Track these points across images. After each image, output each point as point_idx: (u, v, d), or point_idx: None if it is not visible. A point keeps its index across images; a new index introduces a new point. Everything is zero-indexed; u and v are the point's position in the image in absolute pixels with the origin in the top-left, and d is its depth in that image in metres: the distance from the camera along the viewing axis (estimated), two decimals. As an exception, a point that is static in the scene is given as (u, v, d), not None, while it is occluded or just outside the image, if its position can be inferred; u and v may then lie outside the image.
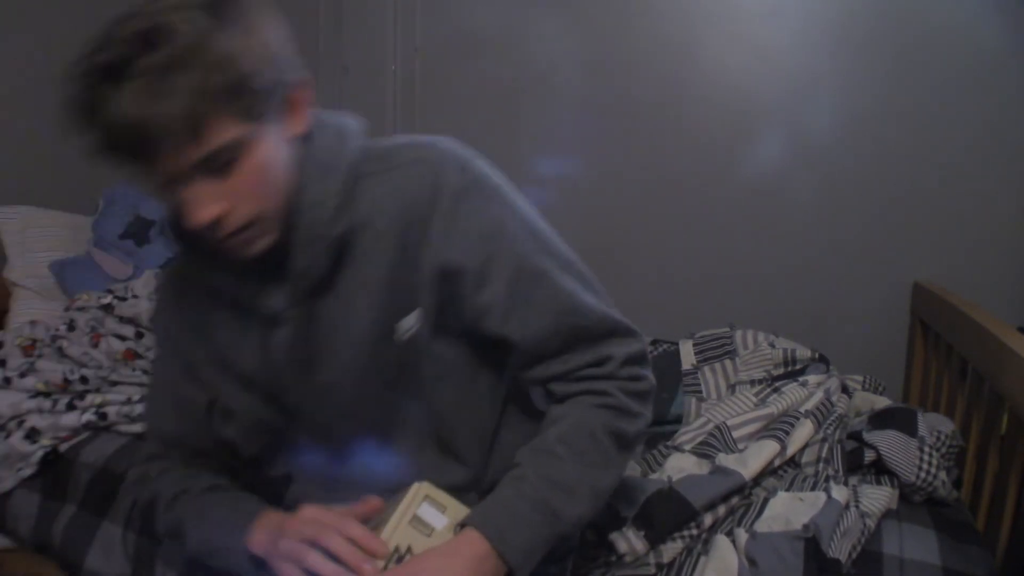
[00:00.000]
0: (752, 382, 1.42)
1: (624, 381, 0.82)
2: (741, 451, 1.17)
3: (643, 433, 0.87)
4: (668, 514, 0.98)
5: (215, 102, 0.64)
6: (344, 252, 0.78)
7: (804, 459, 1.18)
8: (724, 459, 1.14)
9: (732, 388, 1.44)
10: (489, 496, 0.77)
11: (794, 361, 1.44)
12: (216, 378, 0.87)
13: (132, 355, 1.67)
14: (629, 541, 0.96)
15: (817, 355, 1.47)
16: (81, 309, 1.76)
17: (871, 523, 1.01)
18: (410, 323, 0.80)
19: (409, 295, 0.79)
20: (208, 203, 0.68)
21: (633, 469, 1.19)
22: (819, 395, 1.27)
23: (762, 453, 1.13)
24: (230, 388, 0.86)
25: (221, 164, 0.67)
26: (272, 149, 0.70)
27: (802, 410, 1.23)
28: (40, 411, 1.48)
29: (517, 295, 0.79)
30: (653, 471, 1.14)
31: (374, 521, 0.78)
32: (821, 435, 1.20)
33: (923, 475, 1.13)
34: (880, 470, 1.19)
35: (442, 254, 0.77)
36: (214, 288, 0.82)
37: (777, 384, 1.36)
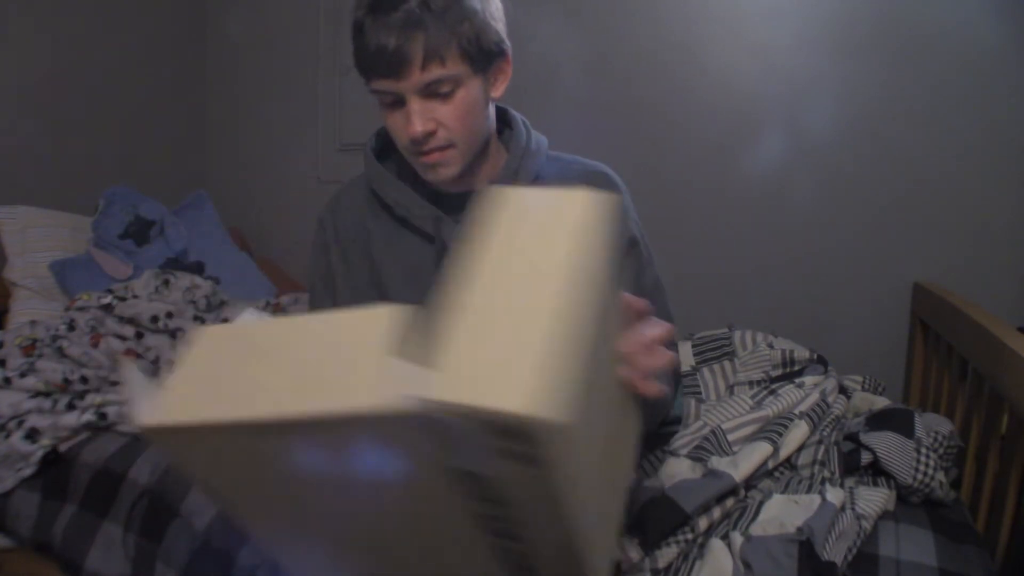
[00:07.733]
0: (750, 383, 1.42)
1: None
2: (734, 454, 1.17)
3: None
4: (661, 520, 0.98)
5: (452, 44, 0.82)
6: None
7: (800, 461, 1.18)
8: (717, 462, 1.14)
9: (731, 389, 1.44)
10: None
11: (792, 362, 1.44)
12: (354, 268, 1.02)
13: (132, 355, 1.68)
14: (624, 549, 0.96)
15: (815, 356, 1.46)
16: (81, 309, 1.75)
17: (867, 525, 1.01)
18: None
19: None
20: (424, 118, 0.85)
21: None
22: (814, 396, 1.27)
23: (754, 455, 1.13)
24: (360, 277, 1.02)
25: (442, 91, 0.85)
26: (479, 96, 0.89)
27: (797, 412, 1.23)
28: (40, 411, 1.48)
29: (654, 290, 1.00)
30: (649, 476, 1.14)
31: None
32: (817, 437, 1.20)
33: (920, 476, 1.13)
34: (877, 471, 1.18)
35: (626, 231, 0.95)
36: (389, 201, 0.97)
37: (773, 386, 1.36)
